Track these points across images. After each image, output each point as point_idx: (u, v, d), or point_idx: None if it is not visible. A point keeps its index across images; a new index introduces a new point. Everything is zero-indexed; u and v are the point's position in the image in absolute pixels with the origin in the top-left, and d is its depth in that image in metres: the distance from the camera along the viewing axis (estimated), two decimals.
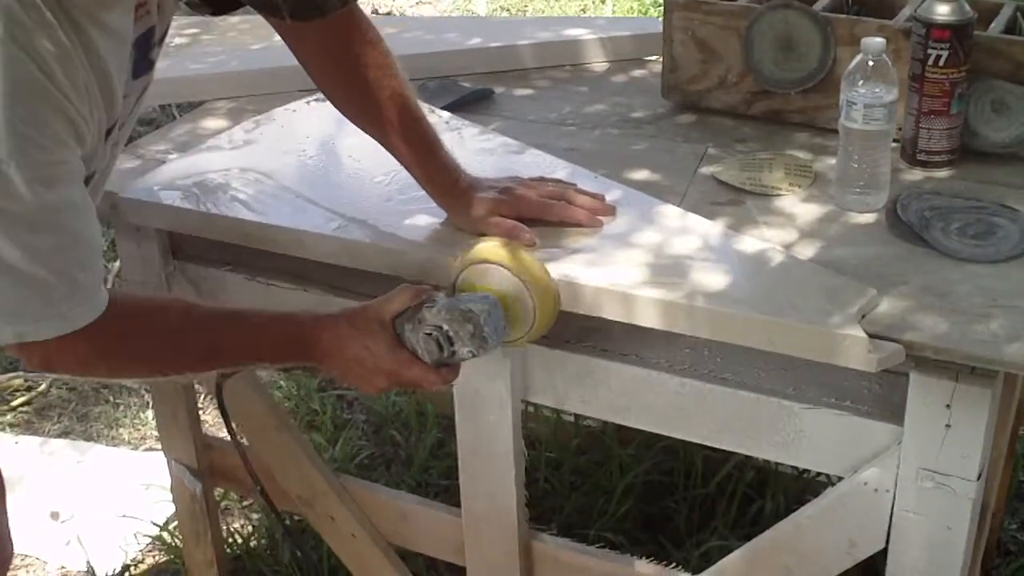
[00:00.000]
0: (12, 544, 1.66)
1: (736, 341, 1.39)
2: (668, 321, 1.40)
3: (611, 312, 1.43)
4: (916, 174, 1.70)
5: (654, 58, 2.14)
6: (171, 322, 1.41)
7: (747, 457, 2.33)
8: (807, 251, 1.51)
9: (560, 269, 1.46)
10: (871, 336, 1.30)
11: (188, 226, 1.70)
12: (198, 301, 1.65)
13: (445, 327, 1.38)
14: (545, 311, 1.45)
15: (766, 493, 2.31)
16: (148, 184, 1.74)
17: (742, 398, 1.47)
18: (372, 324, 1.41)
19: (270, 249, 1.65)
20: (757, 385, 1.48)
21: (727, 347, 1.45)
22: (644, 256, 1.48)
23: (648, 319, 1.41)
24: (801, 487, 2.30)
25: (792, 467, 2.33)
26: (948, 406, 1.33)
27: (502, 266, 1.44)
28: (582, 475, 2.42)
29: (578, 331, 1.56)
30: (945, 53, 1.64)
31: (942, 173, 1.70)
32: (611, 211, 1.58)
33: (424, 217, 1.60)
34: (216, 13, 1.42)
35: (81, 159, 1.26)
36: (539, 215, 1.55)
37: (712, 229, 1.54)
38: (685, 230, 1.54)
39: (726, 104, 1.92)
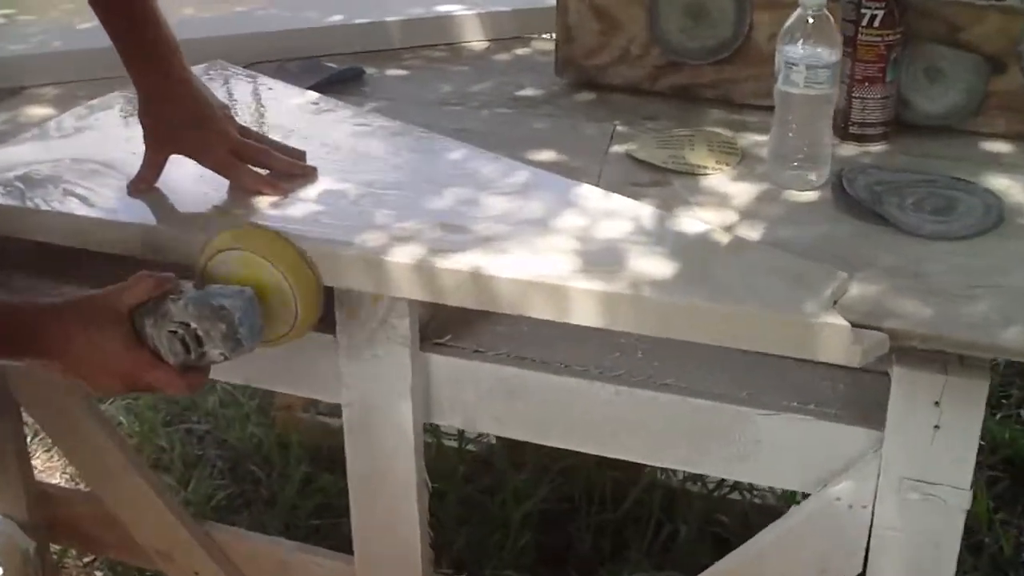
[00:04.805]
0: None
1: (691, 337, 1.17)
2: (610, 318, 1.17)
3: (540, 310, 1.20)
4: (850, 149, 1.54)
5: (543, 36, 1.96)
6: None
7: (655, 476, 2.15)
8: (751, 233, 1.31)
9: (469, 261, 1.23)
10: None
11: (11, 227, 1.41)
12: None
13: (193, 325, 1.19)
14: (308, 305, 1.26)
15: (676, 516, 2.11)
16: None
17: (688, 405, 1.27)
18: (105, 316, 1.20)
19: (117, 252, 1.36)
20: (704, 390, 1.28)
21: (663, 348, 1.27)
22: (570, 243, 1.26)
23: (586, 316, 1.18)
24: (711, 506, 2.12)
25: (702, 485, 2.15)
26: (937, 403, 1.15)
27: (256, 253, 1.24)
28: (471, 506, 2.19)
29: (489, 338, 1.34)
30: (880, 12, 1.49)
31: (877, 147, 1.55)
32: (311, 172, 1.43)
33: None
34: None
35: None
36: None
37: (642, 211, 1.33)
38: (612, 213, 1.32)
39: (628, 80, 1.73)
